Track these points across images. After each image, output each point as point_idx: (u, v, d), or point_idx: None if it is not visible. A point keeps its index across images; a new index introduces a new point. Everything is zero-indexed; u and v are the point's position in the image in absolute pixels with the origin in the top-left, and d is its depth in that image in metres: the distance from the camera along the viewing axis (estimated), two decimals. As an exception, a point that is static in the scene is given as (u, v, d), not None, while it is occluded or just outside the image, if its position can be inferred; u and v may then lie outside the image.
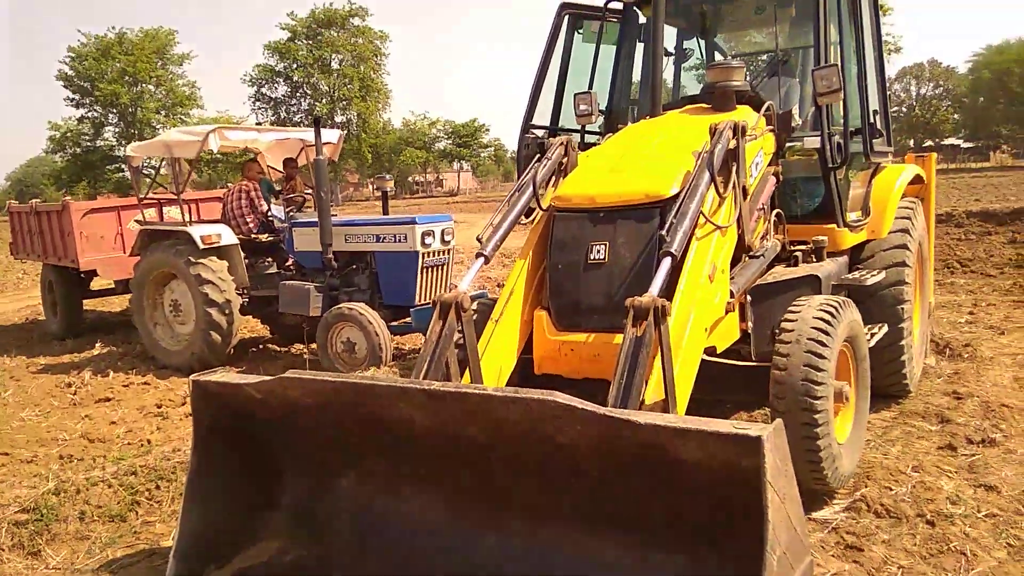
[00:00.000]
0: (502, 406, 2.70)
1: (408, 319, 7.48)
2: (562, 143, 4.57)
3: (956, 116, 62.20)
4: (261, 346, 9.30)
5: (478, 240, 4.05)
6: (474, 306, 4.34)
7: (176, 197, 8.43)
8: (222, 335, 7.73)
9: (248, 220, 8.48)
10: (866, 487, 4.09)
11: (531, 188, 4.26)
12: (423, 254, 7.30)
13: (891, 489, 4.08)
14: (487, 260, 4.02)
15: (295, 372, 3.12)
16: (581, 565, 3.01)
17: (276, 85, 60.16)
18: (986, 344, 6.87)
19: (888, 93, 6.10)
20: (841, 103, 4.72)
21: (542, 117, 5.76)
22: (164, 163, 8.97)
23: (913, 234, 5.47)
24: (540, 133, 5.64)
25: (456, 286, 3.96)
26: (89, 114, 56.50)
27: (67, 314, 10.46)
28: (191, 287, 7.79)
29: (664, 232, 3.58)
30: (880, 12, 6.02)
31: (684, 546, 2.82)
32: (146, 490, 4.39)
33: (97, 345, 9.44)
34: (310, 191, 8.38)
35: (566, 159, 4.58)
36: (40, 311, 11.80)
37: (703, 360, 3.83)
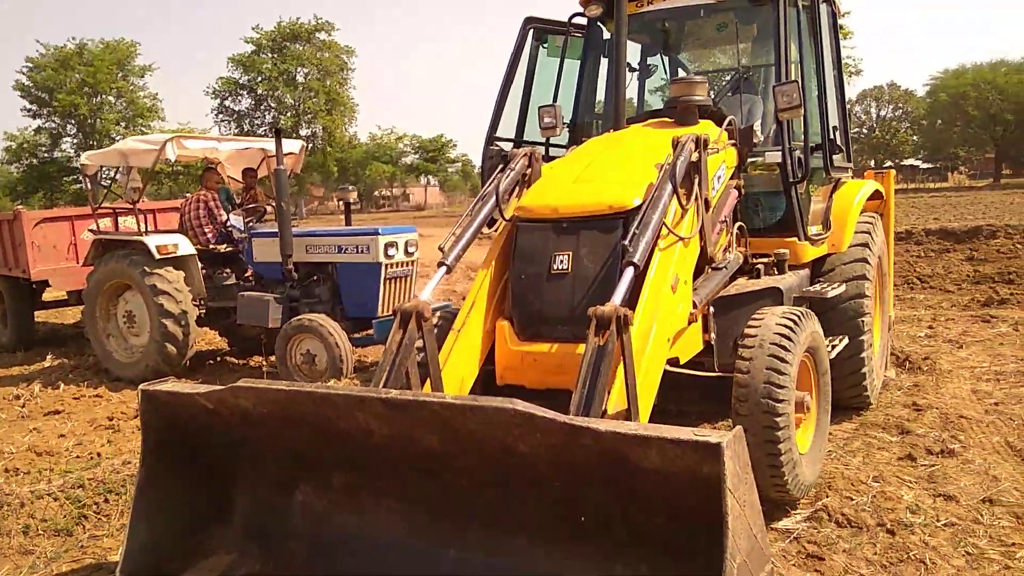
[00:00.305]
0: (461, 415, 2.65)
1: (370, 331, 7.38)
2: (526, 154, 4.55)
3: (915, 138, 63.78)
4: (219, 358, 9.12)
5: (440, 249, 4.01)
6: (436, 316, 4.30)
7: (132, 207, 8.24)
8: (177, 347, 7.56)
9: (206, 230, 8.34)
10: (827, 497, 4.10)
11: (494, 198, 4.23)
12: (386, 265, 7.22)
13: (852, 499, 4.09)
14: (449, 270, 3.98)
15: (248, 381, 3.03)
16: (542, 578, 2.95)
17: (240, 98, 59.52)
18: (945, 357, 6.99)
19: (848, 112, 6.21)
20: (802, 119, 4.79)
21: (507, 130, 5.75)
22: (119, 172, 8.78)
23: (873, 248, 5.55)
24: (505, 145, 5.63)
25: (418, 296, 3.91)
26: (47, 124, 55.40)
27: (18, 326, 10.18)
28: (146, 298, 7.61)
29: (627, 242, 3.56)
30: (840, 33, 6.13)
31: (646, 556, 2.79)
32: (94, 503, 4.25)
33: (48, 357, 9.19)
34: (271, 202, 8.26)
35: (530, 170, 4.56)
36: (-11, 323, 11.45)
37: (666, 371, 3.82)
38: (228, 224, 8.46)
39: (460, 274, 13.82)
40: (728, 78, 6.46)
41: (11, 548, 3.88)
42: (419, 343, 3.54)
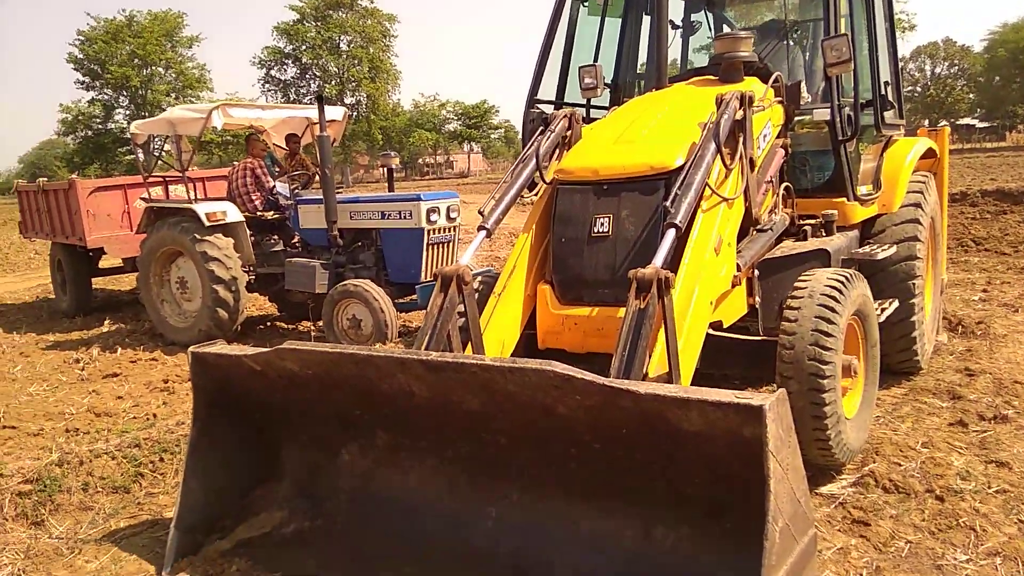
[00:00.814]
0: (500, 376, 2.66)
1: (415, 296, 7.44)
2: (566, 115, 4.50)
3: (971, 96, 61.42)
4: (268, 323, 9.30)
5: (480, 213, 4.00)
6: (477, 281, 4.31)
7: (182, 175, 8.40)
8: (228, 312, 7.72)
9: (253, 197, 8.45)
10: (874, 462, 4.04)
11: (534, 161, 4.20)
12: (428, 231, 7.25)
13: (900, 465, 4.03)
14: (489, 234, 3.97)
15: (292, 343, 3.09)
16: (582, 539, 2.98)
17: (285, 67, 60.10)
18: (999, 322, 6.78)
19: (901, 68, 5.99)
20: (852, 74, 4.63)
21: (548, 92, 5.67)
22: (169, 141, 8.94)
23: (925, 208, 5.37)
24: (546, 108, 5.56)
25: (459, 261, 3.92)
26: (100, 96, 56.66)
27: (76, 292, 10.50)
28: (197, 264, 7.78)
29: (668, 204, 3.51)
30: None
31: (687, 519, 2.79)
32: (150, 462, 4.39)
33: (106, 322, 9.47)
34: (316, 169, 8.33)
35: (570, 132, 4.51)
36: (50, 290, 11.87)
37: (709, 335, 3.78)
38: (274, 191, 8.57)
39: (503, 240, 13.84)
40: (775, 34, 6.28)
41: (71, 504, 4.04)
42: (460, 307, 3.55)
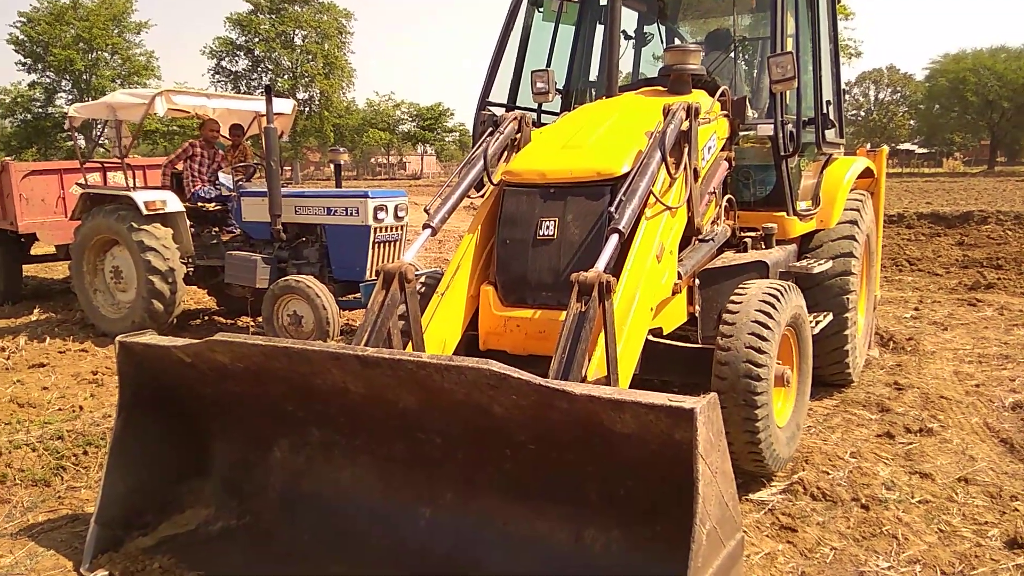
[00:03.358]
0: (437, 374, 2.64)
1: (358, 294, 7.35)
2: (516, 118, 4.50)
3: (912, 122, 63.54)
4: (206, 317, 9.09)
5: (425, 211, 3.97)
6: (420, 281, 4.27)
7: (120, 161, 8.15)
8: (164, 304, 7.52)
9: (195, 177, 8.26)
10: (804, 471, 4.13)
11: (482, 162, 4.19)
12: (375, 228, 7.17)
13: (828, 473, 4.12)
14: (434, 232, 3.94)
15: (225, 335, 3.02)
16: (515, 540, 2.97)
17: (236, 59, 58.82)
18: (929, 339, 7.01)
19: (845, 92, 6.15)
20: (795, 92, 4.74)
21: (500, 95, 5.68)
22: (109, 126, 8.68)
23: (861, 225, 5.53)
24: (497, 110, 5.56)
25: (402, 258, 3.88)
26: (41, 79, 54.77)
27: (5, 278, 10.11)
28: (133, 254, 7.55)
29: (613, 209, 3.54)
30: (836, 7, 6.05)
31: (618, 521, 2.81)
32: (72, 455, 4.25)
33: (35, 311, 9.15)
34: (261, 161, 8.18)
35: (519, 135, 4.51)
36: (-22, 276, 11.38)
37: (649, 341, 3.81)
38: (218, 183, 8.38)
39: (451, 244, 13.80)
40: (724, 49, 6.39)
41: (-13, 496, 3.88)
42: (402, 307, 3.51)
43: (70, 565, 3.27)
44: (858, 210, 5.58)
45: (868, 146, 7.05)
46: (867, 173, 6.18)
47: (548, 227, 3.88)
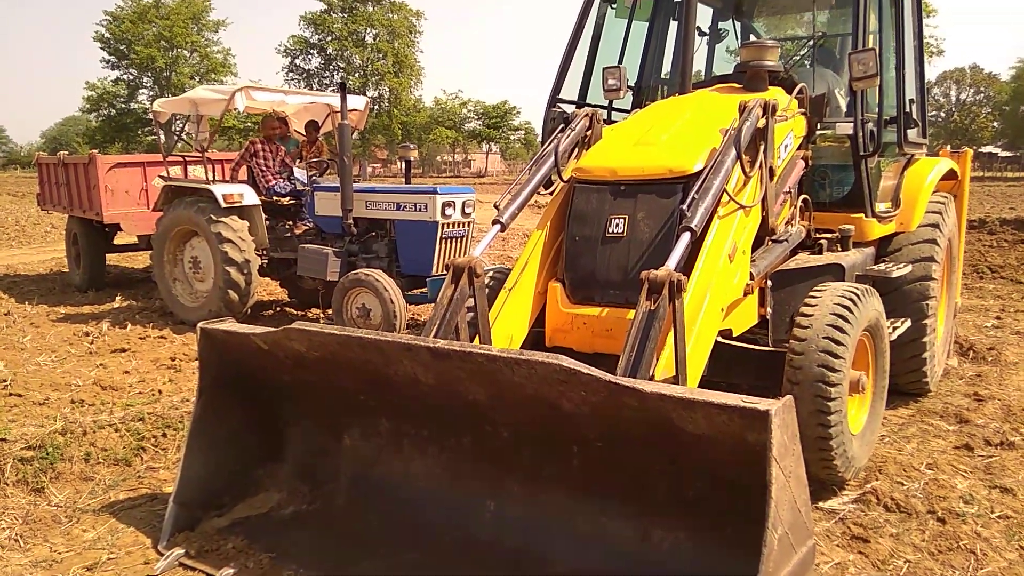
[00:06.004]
0: (506, 367, 2.66)
1: (425, 289, 7.44)
2: (587, 115, 4.48)
3: (995, 124, 60.97)
4: (278, 308, 9.33)
5: (495, 207, 3.99)
6: (488, 276, 4.30)
7: (201, 155, 8.42)
8: (239, 294, 7.75)
9: (267, 175, 8.48)
10: (877, 480, 4.00)
11: (552, 158, 4.19)
12: (443, 224, 7.24)
13: (903, 484, 3.99)
14: (503, 227, 3.96)
15: (301, 324, 3.09)
16: (581, 537, 2.97)
17: (310, 57, 60.26)
18: (1011, 349, 6.72)
19: (926, 87, 5.94)
20: (877, 90, 4.60)
21: (571, 92, 5.66)
22: (190, 121, 8.98)
23: (943, 229, 5.33)
24: (567, 107, 5.55)
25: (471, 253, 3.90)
26: (125, 76, 57.14)
27: (90, 266, 10.55)
28: (211, 245, 7.81)
29: (685, 207, 3.50)
30: (922, 3, 5.85)
31: (685, 522, 2.78)
32: (152, 436, 4.41)
33: (117, 298, 9.51)
34: (335, 157, 8.35)
35: (590, 132, 4.49)
36: (65, 263, 11.93)
37: (718, 342, 3.75)
38: (292, 177, 8.59)
39: (517, 240, 13.83)
40: (803, 46, 6.25)
41: (72, 473, 4.06)
42: (470, 300, 3.54)
43: (148, 542, 3.40)
44: (940, 213, 5.38)
45: (949, 148, 6.79)
46: (950, 175, 5.95)
47: (618, 225, 3.86)
